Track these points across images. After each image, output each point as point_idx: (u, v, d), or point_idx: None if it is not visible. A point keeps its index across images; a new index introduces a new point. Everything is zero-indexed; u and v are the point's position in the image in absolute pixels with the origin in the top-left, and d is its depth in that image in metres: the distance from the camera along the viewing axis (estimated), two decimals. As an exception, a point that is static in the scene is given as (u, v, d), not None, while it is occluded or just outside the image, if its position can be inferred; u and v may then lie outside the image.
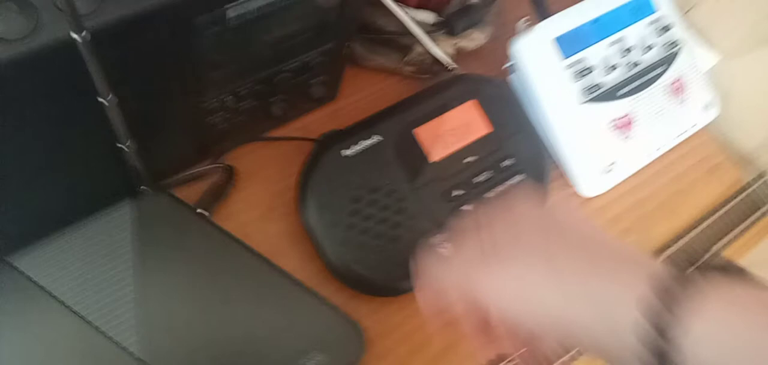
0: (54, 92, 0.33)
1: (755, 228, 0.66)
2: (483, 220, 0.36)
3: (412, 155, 0.53)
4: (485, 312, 0.35)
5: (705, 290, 0.25)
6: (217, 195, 0.51)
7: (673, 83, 0.61)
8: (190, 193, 0.51)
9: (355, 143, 0.52)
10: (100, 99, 0.32)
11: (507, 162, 0.55)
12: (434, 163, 0.53)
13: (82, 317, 0.43)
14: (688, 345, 0.24)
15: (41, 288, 0.43)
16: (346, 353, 0.47)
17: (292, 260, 0.51)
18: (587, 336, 0.29)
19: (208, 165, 0.52)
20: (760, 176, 0.65)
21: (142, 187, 0.47)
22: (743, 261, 0.65)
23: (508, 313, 0.33)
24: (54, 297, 0.43)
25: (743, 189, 0.64)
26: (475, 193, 0.54)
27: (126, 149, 0.39)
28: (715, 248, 0.63)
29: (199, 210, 0.49)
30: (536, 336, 0.33)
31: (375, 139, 0.52)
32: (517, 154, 0.56)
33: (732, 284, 0.25)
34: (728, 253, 0.63)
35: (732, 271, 0.26)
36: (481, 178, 0.54)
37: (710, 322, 0.24)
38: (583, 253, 0.31)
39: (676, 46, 0.62)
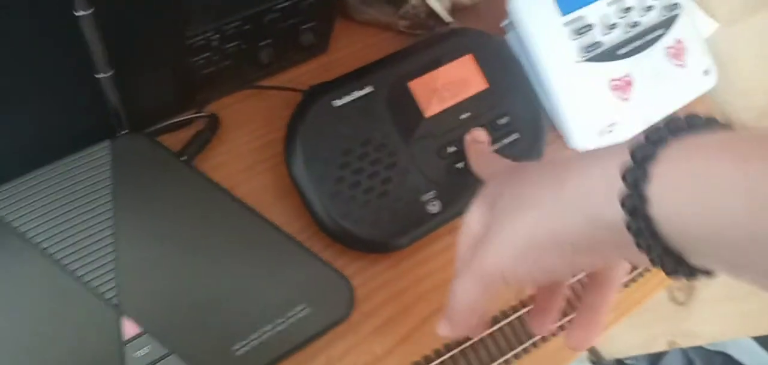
0: (28, 7, 0.30)
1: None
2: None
3: (406, 108, 0.51)
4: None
5: (670, 142, 0.26)
6: (200, 144, 0.49)
7: (672, 46, 0.60)
8: (173, 142, 0.48)
9: (347, 93, 0.49)
10: (77, 12, 0.30)
11: (503, 120, 0.53)
12: (429, 118, 0.51)
13: (56, 260, 0.40)
14: (655, 197, 0.25)
15: (13, 228, 0.41)
16: (334, 309, 0.46)
17: (279, 214, 0.49)
18: (582, 241, 0.29)
19: (191, 114, 0.50)
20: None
21: (122, 131, 0.44)
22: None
23: (517, 276, 0.32)
24: (26, 239, 0.40)
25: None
26: (470, 150, 0.52)
27: (104, 77, 0.37)
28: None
29: (182, 158, 0.47)
30: (549, 276, 0.32)
31: (367, 90, 0.50)
32: (513, 112, 0.54)
33: (695, 132, 0.26)
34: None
35: (698, 122, 0.27)
36: (476, 135, 0.52)
37: (674, 171, 0.25)
38: (550, 171, 0.31)
39: (676, 8, 0.60)
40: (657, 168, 0.25)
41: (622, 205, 0.26)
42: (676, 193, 0.24)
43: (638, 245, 0.26)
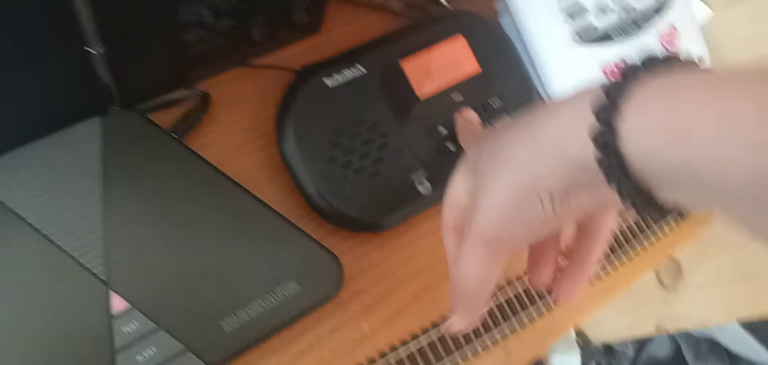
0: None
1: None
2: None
3: (399, 89, 0.51)
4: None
5: (645, 79, 0.26)
6: (191, 122, 0.48)
7: (666, 32, 0.60)
8: (164, 120, 0.48)
9: (339, 73, 0.49)
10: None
11: (495, 103, 0.53)
12: (421, 99, 0.51)
13: (45, 235, 0.40)
14: (627, 132, 0.25)
15: (1, 203, 0.40)
16: (323, 286, 0.46)
17: (270, 193, 0.49)
18: (558, 186, 0.29)
19: (182, 92, 0.50)
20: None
21: (113, 107, 0.44)
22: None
23: (511, 237, 0.32)
24: (15, 214, 0.40)
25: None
26: (462, 132, 0.52)
27: (95, 53, 0.36)
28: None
29: (173, 135, 0.47)
30: (536, 231, 0.32)
31: (360, 70, 0.50)
32: (505, 94, 0.54)
33: (672, 71, 0.26)
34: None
35: (674, 61, 0.27)
36: (468, 117, 0.52)
37: (646, 106, 0.25)
38: (524, 122, 0.31)
39: (671, -6, 0.60)
40: (630, 104, 0.25)
41: (594, 141, 0.26)
42: (648, 127, 0.25)
43: (609, 181, 0.26)
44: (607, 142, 0.25)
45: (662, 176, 0.25)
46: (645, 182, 0.26)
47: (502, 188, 0.31)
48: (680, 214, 0.28)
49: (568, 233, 0.38)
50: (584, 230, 0.36)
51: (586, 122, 0.26)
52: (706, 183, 0.23)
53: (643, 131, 0.25)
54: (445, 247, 0.39)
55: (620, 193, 0.26)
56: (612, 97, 0.26)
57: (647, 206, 0.27)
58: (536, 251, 0.38)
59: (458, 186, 0.37)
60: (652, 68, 0.26)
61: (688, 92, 0.24)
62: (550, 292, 0.38)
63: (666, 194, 0.26)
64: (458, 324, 0.36)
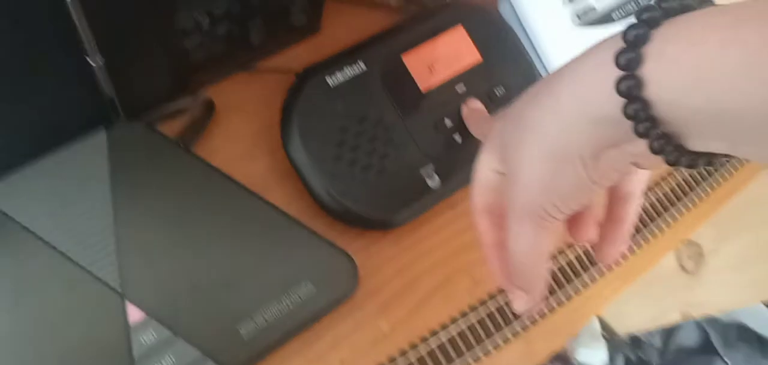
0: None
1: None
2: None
3: (401, 83, 0.51)
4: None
5: (663, 23, 0.25)
6: (196, 130, 0.49)
7: (667, 7, 0.59)
8: (168, 130, 0.48)
9: (341, 72, 0.49)
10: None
11: (499, 91, 0.53)
12: (425, 92, 0.51)
13: (57, 250, 0.41)
14: (650, 77, 0.24)
15: (13, 220, 0.41)
16: (339, 286, 0.46)
17: (279, 197, 0.49)
18: (587, 147, 0.28)
19: (186, 100, 0.50)
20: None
21: (118, 119, 0.45)
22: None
23: (553, 207, 0.31)
24: (27, 230, 0.41)
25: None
26: (467, 123, 0.52)
27: (95, 65, 0.37)
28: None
29: (179, 144, 0.47)
30: (574, 199, 0.31)
31: (361, 67, 0.50)
32: (508, 82, 0.54)
33: (689, 15, 0.25)
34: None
35: (692, 4, 0.26)
36: (473, 107, 0.52)
37: (667, 48, 0.24)
38: (545, 86, 0.31)
39: (670, -31, 0.60)
40: (651, 48, 0.25)
41: (619, 91, 0.25)
42: (671, 69, 0.24)
43: (637, 131, 0.26)
44: (632, 90, 0.25)
45: (690, 119, 0.24)
46: (673, 129, 0.25)
47: (534, 159, 0.30)
48: (710, 164, 0.27)
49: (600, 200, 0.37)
50: (616, 196, 0.36)
51: (608, 74, 0.26)
52: (735, 122, 0.23)
53: (667, 75, 0.24)
54: (478, 231, 0.38)
55: (650, 142, 0.26)
56: (632, 44, 0.25)
57: (677, 157, 0.26)
58: (574, 218, 0.37)
59: (485, 167, 0.36)
60: (669, 11, 0.26)
61: (708, 30, 0.23)
62: (593, 248, 0.38)
63: (695, 141, 0.25)
64: (520, 303, 0.36)
